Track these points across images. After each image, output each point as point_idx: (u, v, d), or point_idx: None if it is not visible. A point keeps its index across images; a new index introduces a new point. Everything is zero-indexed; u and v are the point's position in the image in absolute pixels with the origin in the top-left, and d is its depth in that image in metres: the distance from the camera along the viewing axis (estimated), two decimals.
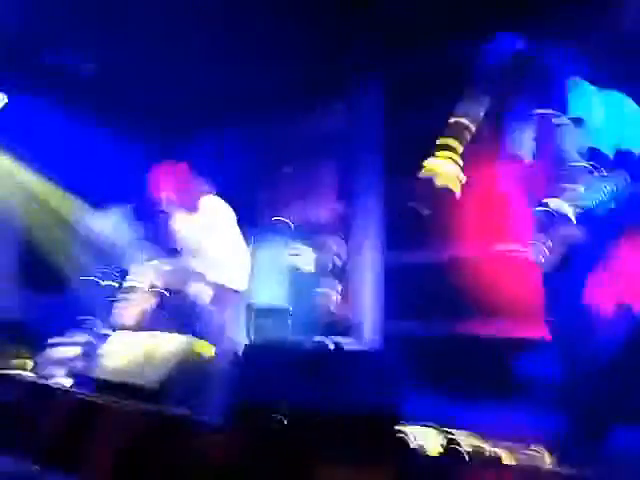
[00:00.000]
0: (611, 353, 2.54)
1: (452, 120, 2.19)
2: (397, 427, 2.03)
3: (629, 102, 2.26)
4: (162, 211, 3.61)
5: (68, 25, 4.23)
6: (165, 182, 3.57)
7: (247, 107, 5.08)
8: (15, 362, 3.54)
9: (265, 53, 4.34)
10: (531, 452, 2.12)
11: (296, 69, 4.42)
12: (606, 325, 2.63)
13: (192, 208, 3.57)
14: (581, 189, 2.25)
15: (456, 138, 2.20)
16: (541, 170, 2.44)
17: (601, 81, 2.33)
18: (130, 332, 3.22)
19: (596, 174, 2.23)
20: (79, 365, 3.19)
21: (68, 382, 3.10)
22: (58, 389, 2.89)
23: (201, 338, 3.01)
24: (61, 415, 2.48)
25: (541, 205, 2.39)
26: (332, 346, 3.98)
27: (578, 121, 2.28)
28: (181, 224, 3.65)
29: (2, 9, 4.07)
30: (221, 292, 3.42)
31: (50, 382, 3.10)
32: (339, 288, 4.51)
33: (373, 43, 4.18)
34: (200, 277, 3.52)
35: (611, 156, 2.22)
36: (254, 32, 4.12)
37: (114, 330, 3.37)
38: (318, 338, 4.17)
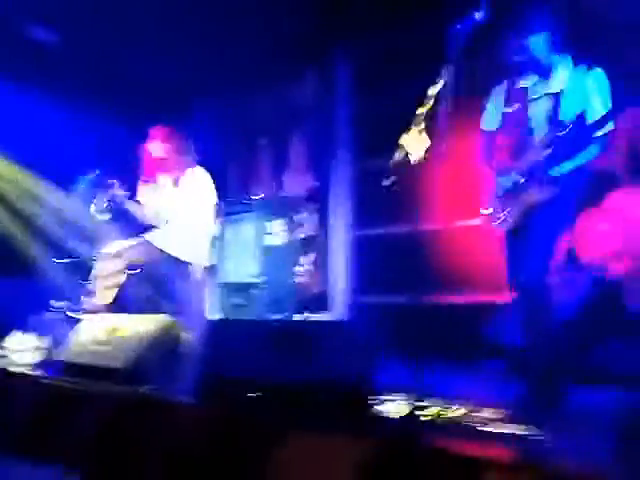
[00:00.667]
0: (569, 314, 2.66)
1: (426, 93, 2.19)
2: (367, 397, 2.08)
3: (595, 76, 2.30)
4: (137, 180, 3.50)
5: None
6: (157, 143, 3.47)
7: (221, 80, 4.99)
8: None
9: (240, 26, 4.25)
10: (493, 414, 2.21)
11: (270, 42, 4.36)
12: (564, 287, 2.74)
13: (176, 176, 3.49)
14: (544, 155, 2.29)
15: (428, 111, 2.21)
16: (508, 139, 2.49)
17: (573, 53, 2.35)
18: (99, 313, 3.18)
19: (555, 146, 2.28)
20: (45, 349, 3.15)
21: (37, 367, 3.06)
22: (27, 374, 2.85)
23: (171, 316, 3.00)
24: (30, 401, 2.46)
25: (504, 172, 2.44)
26: (303, 319, 4.03)
27: (555, 95, 2.31)
28: (157, 194, 3.58)
29: None
30: (190, 268, 3.40)
31: (18, 367, 3.05)
32: (310, 261, 4.54)
33: (347, 17, 4.12)
34: (169, 254, 3.48)
35: (572, 124, 2.26)
36: (229, 6, 4.02)
37: (83, 312, 3.33)
38: (289, 312, 4.22)
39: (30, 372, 2.87)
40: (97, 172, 3.69)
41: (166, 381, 2.49)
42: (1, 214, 5.10)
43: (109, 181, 3.51)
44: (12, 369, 2.92)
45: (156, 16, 4.22)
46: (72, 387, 2.39)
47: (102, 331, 2.75)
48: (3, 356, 3.22)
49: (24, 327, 3.33)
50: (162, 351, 2.62)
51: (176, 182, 3.51)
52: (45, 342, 3.19)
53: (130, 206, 3.50)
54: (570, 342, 2.50)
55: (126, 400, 2.17)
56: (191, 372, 2.37)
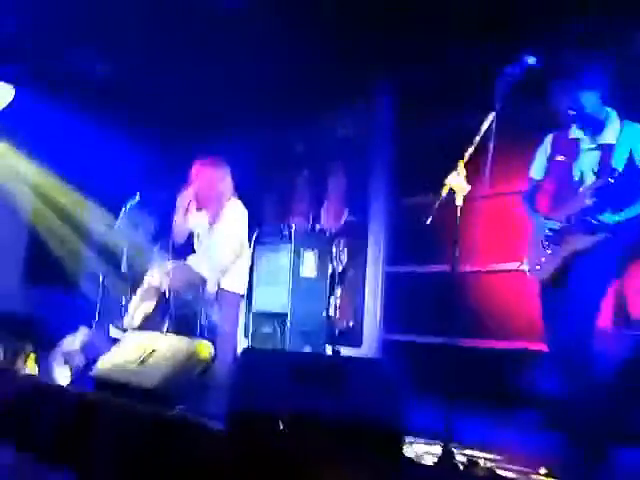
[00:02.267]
0: (611, 372, 2.53)
1: (470, 132, 2.20)
2: (395, 436, 2.03)
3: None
4: (180, 208, 3.59)
5: (85, 26, 4.28)
6: (203, 175, 3.57)
7: (263, 111, 5.11)
8: (20, 358, 3.57)
9: (282, 58, 4.37)
10: (530, 471, 2.11)
11: (314, 73, 4.45)
12: (607, 343, 2.62)
13: (216, 210, 3.58)
14: (589, 202, 2.25)
15: (473, 153, 2.21)
16: (553, 187, 2.45)
17: (621, 108, 2.34)
18: (135, 332, 3.23)
19: (604, 193, 2.23)
20: (82, 363, 3.21)
21: (70, 380, 3.12)
22: (60, 387, 2.90)
23: (203, 340, 3.02)
24: (62, 413, 2.50)
25: (547, 219, 2.40)
26: (331, 353, 3.99)
27: (607, 146, 2.29)
28: (197, 223, 3.67)
29: (20, 7, 4.13)
30: (224, 295, 3.44)
31: (53, 379, 3.12)
32: (343, 295, 4.52)
33: (393, 50, 4.18)
34: (206, 280, 3.54)
35: (620, 174, 2.23)
36: (272, 37, 4.15)
37: (119, 329, 3.40)
38: (320, 344, 4.19)
39: (66, 386, 2.93)
40: (138, 197, 3.80)
41: (196, 404, 2.49)
42: (51, 229, 5.32)
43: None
44: (46, 379, 2.99)
45: (201, 46, 4.36)
46: (100, 401, 2.43)
47: (138, 350, 2.79)
48: (39, 367, 3.30)
49: (62, 340, 3.41)
50: (192, 374, 2.64)
51: (216, 214, 3.58)
52: (84, 357, 3.26)
53: (178, 217, 3.57)
54: (615, 399, 2.38)
55: (156, 420, 2.18)
56: (220, 397, 2.36)
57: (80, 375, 3.11)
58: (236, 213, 3.56)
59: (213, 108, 5.18)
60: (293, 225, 4.66)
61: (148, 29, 4.22)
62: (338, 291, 4.51)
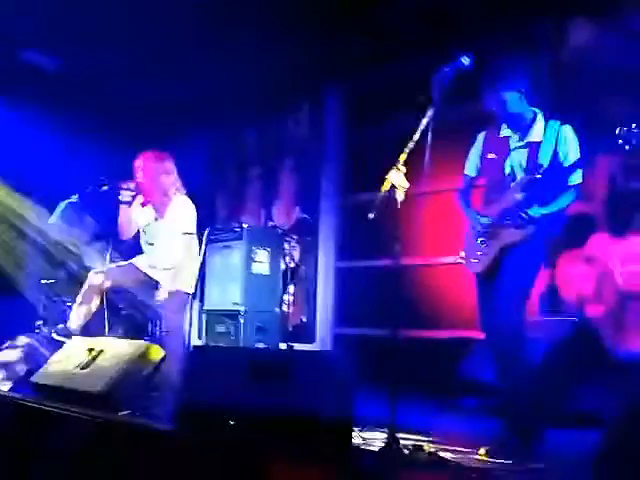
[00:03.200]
0: (542, 356, 2.68)
1: (413, 130, 2.27)
2: (344, 425, 2.08)
3: (567, 130, 2.42)
4: (123, 203, 3.50)
5: (38, 22, 4.13)
6: (147, 168, 3.50)
7: (214, 109, 5.08)
8: None
9: (234, 58, 4.37)
10: (470, 452, 2.22)
11: (264, 74, 4.47)
12: (538, 330, 2.78)
13: (160, 203, 3.52)
14: (519, 198, 2.37)
15: (412, 150, 2.29)
16: (486, 184, 2.57)
17: (546, 107, 2.47)
18: (78, 336, 3.16)
19: (531, 188, 2.36)
20: (23, 370, 3.10)
21: (10, 387, 3.01)
22: (3, 395, 2.80)
23: (152, 341, 2.99)
24: (5, 422, 2.42)
25: (482, 214, 2.51)
26: (284, 348, 4.03)
27: (534, 144, 2.41)
28: (142, 218, 3.60)
29: None
30: (173, 295, 3.40)
31: None
32: (295, 292, 4.56)
33: (340, 53, 4.26)
34: (153, 279, 3.49)
35: (546, 170, 2.36)
36: (225, 38, 4.15)
37: (62, 334, 3.30)
38: (273, 341, 4.21)
39: (7, 393, 2.83)
40: (77, 196, 3.69)
41: (143, 407, 2.47)
42: None
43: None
44: None
45: (152, 43, 4.30)
46: (48, 410, 2.36)
47: (82, 354, 2.73)
48: None
49: (5, 346, 3.29)
50: (140, 377, 2.60)
51: (162, 208, 3.53)
52: (25, 363, 3.15)
53: (122, 213, 3.49)
54: (547, 384, 2.52)
55: (102, 425, 2.15)
56: (168, 398, 2.36)
57: (21, 382, 3.01)
58: (183, 208, 3.52)
59: (164, 105, 5.11)
60: (246, 223, 4.67)
61: (96, 22, 4.11)
62: (291, 288, 4.54)
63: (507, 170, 2.48)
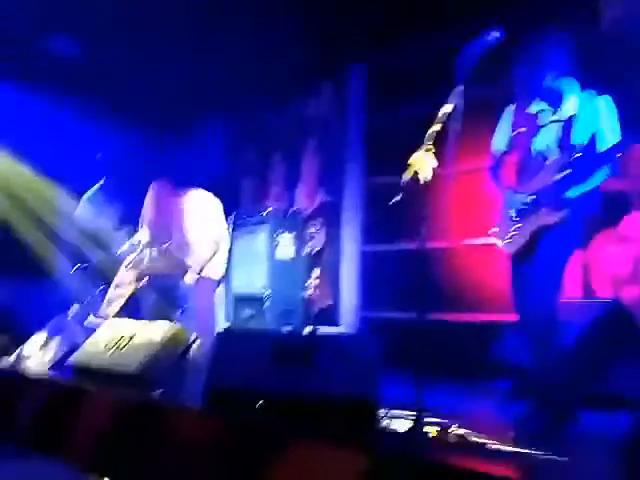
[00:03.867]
0: (577, 340, 2.62)
1: (438, 111, 2.22)
2: (372, 411, 2.09)
3: (603, 102, 2.32)
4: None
5: (55, 11, 4.17)
6: (160, 207, 3.56)
7: (234, 94, 5.07)
8: None
9: (254, 42, 4.34)
10: (499, 437, 2.20)
11: (284, 57, 4.43)
12: (573, 312, 2.72)
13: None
14: (556, 178, 2.30)
15: (438, 131, 2.23)
16: (517, 161, 2.50)
17: (581, 79, 2.38)
18: (113, 319, 3.23)
19: (568, 169, 2.28)
20: (60, 352, 3.20)
21: (50, 369, 3.12)
22: (40, 376, 2.90)
23: (182, 324, 3.04)
24: (43, 401, 2.51)
25: (515, 193, 2.45)
26: (309, 332, 4.05)
27: (566, 120, 2.33)
28: (166, 213, 3.66)
29: None
30: (202, 281, 3.45)
31: (32, 369, 3.11)
32: (320, 275, 4.57)
33: (361, 33, 4.19)
34: (182, 264, 3.55)
35: (584, 148, 2.28)
36: (244, 22, 4.12)
37: (97, 317, 3.39)
38: (298, 324, 4.24)
39: (44, 375, 2.93)
40: (102, 180, 3.75)
41: (175, 387, 2.52)
42: (22, 219, 5.22)
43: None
44: (28, 371, 2.98)
45: (171, 30, 4.31)
46: (84, 389, 2.44)
47: (115, 337, 2.80)
48: (20, 358, 3.29)
49: (42, 330, 3.39)
50: (171, 358, 2.67)
51: (182, 208, 3.58)
52: (62, 345, 3.25)
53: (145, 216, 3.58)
54: (580, 366, 2.47)
55: (136, 404, 2.21)
56: (199, 379, 2.40)
57: (59, 364, 3.11)
58: (200, 201, 3.56)
59: (185, 92, 5.12)
60: (269, 207, 4.68)
61: (116, 11, 4.13)
62: (315, 271, 4.55)
63: (539, 146, 2.40)
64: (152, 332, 2.76)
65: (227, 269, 3.99)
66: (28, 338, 3.41)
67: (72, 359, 2.88)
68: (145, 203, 3.63)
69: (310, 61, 4.51)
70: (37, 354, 3.24)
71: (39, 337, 3.36)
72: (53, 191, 5.35)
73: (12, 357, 3.36)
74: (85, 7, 4.14)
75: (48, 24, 4.44)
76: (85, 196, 4.18)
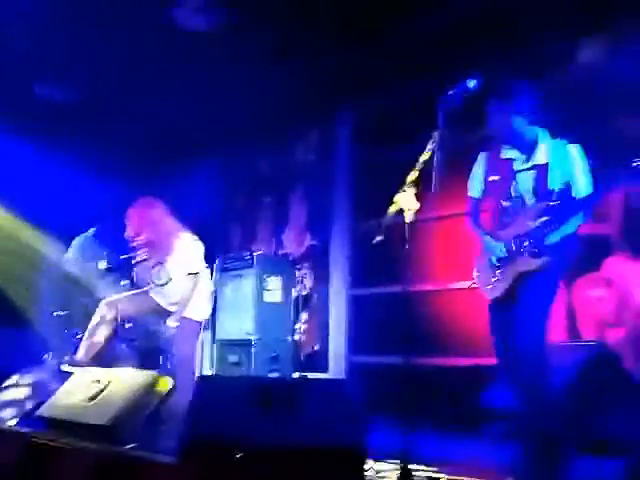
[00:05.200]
0: (563, 384, 2.59)
1: (419, 158, 2.27)
2: (357, 456, 2.02)
3: (575, 149, 2.39)
4: (131, 244, 3.59)
5: (45, 53, 4.26)
6: (141, 218, 3.56)
7: (224, 138, 5.16)
8: None
9: (243, 86, 4.44)
10: None
11: (273, 102, 4.53)
12: (558, 355, 2.70)
13: (165, 248, 3.57)
14: (536, 224, 2.33)
15: (420, 173, 2.28)
16: (494, 207, 2.54)
17: (551, 127, 2.46)
18: (87, 368, 3.13)
19: (545, 216, 2.32)
20: (31, 403, 3.08)
21: (18, 421, 2.99)
22: (8, 429, 2.78)
23: (162, 371, 2.96)
24: (8, 454, 2.39)
25: (496, 239, 2.47)
26: (296, 377, 3.96)
27: (541, 166, 2.38)
28: (150, 260, 3.64)
29: None
30: (184, 324, 3.39)
31: (3, 419, 2.99)
32: (307, 319, 4.52)
33: (348, 80, 4.32)
34: (164, 308, 3.49)
35: (561, 194, 2.33)
36: (232, 67, 4.23)
37: (71, 365, 3.29)
38: (286, 370, 4.15)
39: (13, 427, 2.81)
40: (93, 230, 3.75)
41: (150, 440, 2.42)
42: (9, 263, 5.15)
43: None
44: None
45: (157, 74, 4.39)
46: (55, 443, 2.34)
47: (88, 387, 2.70)
48: None
49: (13, 379, 3.28)
50: (148, 409, 2.56)
51: (165, 253, 3.57)
52: (34, 394, 3.14)
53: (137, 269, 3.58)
54: (569, 410, 2.43)
55: (108, 458, 2.11)
56: (176, 431, 2.31)
57: (29, 415, 2.99)
58: (187, 249, 3.55)
59: (175, 137, 5.19)
60: (257, 250, 4.67)
61: (108, 56, 4.23)
62: (303, 316, 4.51)
63: (514, 193, 2.44)
64: (127, 381, 2.66)
65: (212, 313, 3.93)
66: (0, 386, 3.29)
67: (43, 410, 2.75)
68: (136, 213, 3.60)
69: (298, 108, 4.62)
70: (8, 405, 3.11)
71: (10, 387, 3.24)
72: (36, 237, 5.31)
73: None
74: (77, 53, 4.23)
75: (38, 70, 4.51)
76: (75, 241, 4.15)
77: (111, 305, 3.43)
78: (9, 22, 3.89)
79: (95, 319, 3.41)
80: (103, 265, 3.78)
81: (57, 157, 5.14)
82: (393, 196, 2.30)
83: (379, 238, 2.23)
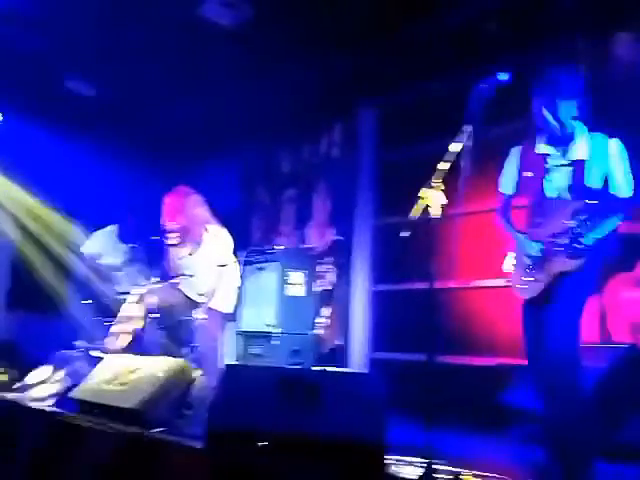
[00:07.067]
0: (594, 387, 2.52)
1: (447, 151, 2.24)
2: (379, 454, 2.01)
3: (614, 144, 2.30)
4: (163, 234, 3.63)
5: (73, 49, 4.35)
6: (177, 205, 3.60)
7: (248, 132, 5.17)
8: (1, 381, 3.53)
9: (267, 80, 4.45)
10: None
11: (297, 95, 4.53)
12: (589, 357, 2.62)
13: (196, 238, 3.60)
14: (575, 223, 2.26)
15: (449, 168, 2.24)
16: (528, 203, 2.47)
17: (589, 121, 2.38)
18: (118, 354, 3.21)
19: (583, 214, 2.25)
20: (65, 387, 3.17)
21: (52, 403, 3.08)
22: (42, 410, 2.87)
23: (190, 360, 3.01)
24: (44, 435, 2.46)
25: (531, 238, 2.40)
26: (318, 371, 3.97)
27: (578, 162, 2.30)
28: (180, 250, 3.68)
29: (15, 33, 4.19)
30: (210, 314, 3.43)
31: (35, 403, 3.08)
32: (329, 314, 4.52)
33: (373, 72, 4.27)
34: (192, 299, 3.54)
35: (600, 192, 2.25)
36: (257, 60, 4.24)
37: (102, 351, 3.37)
38: (307, 363, 4.16)
39: (46, 408, 2.89)
40: (113, 227, 3.80)
41: (176, 424, 2.47)
42: (34, 253, 5.29)
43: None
44: (29, 404, 2.95)
45: (186, 70, 4.44)
46: (84, 424, 2.40)
47: (118, 372, 2.77)
48: (23, 390, 3.27)
49: (47, 363, 3.38)
50: (174, 395, 2.62)
51: (195, 243, 3.61)
52: (65, 379, 3.23)
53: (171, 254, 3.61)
54: (597, 414, 2.37)
55: (135, 441, 2.16)
56: (201, 417, 2.35)
57: (62, 398, 3.08)
58: (216, 240, 3.58)
59: (200, 131, 5.24)
60: (280, 245, 4.68)
61: (133, 54, 4.30)
62: (325, 310, 4.50)
63: (550, 190, 2.37)
64: (156, 368, 2.72)
65: (237, 306, 3.96)
66: (31, 371, 3.38)
67: (74, 393, 2.84)
68: (172, 200, 3.62)
69: (323, 102, 4.61)
70: (42, 387, 3.21)
71: (44, 370, 3.34)
72: (67, 226, 5.44)
73: (17, 390, 3.33)
74: (108, 50, 4.31)
75: (71, 66, 4.61)
76: (98, 232, 4.23)
77: (141, 295, 3.49)
78: (43, 21, 3.99)
79: (125, 308, 3.48)
80: (129, 256, 3.84)
81: (88, 151, 5.24)
82: (416, 192, 2.26)
83: (405, 233, 2.20)
